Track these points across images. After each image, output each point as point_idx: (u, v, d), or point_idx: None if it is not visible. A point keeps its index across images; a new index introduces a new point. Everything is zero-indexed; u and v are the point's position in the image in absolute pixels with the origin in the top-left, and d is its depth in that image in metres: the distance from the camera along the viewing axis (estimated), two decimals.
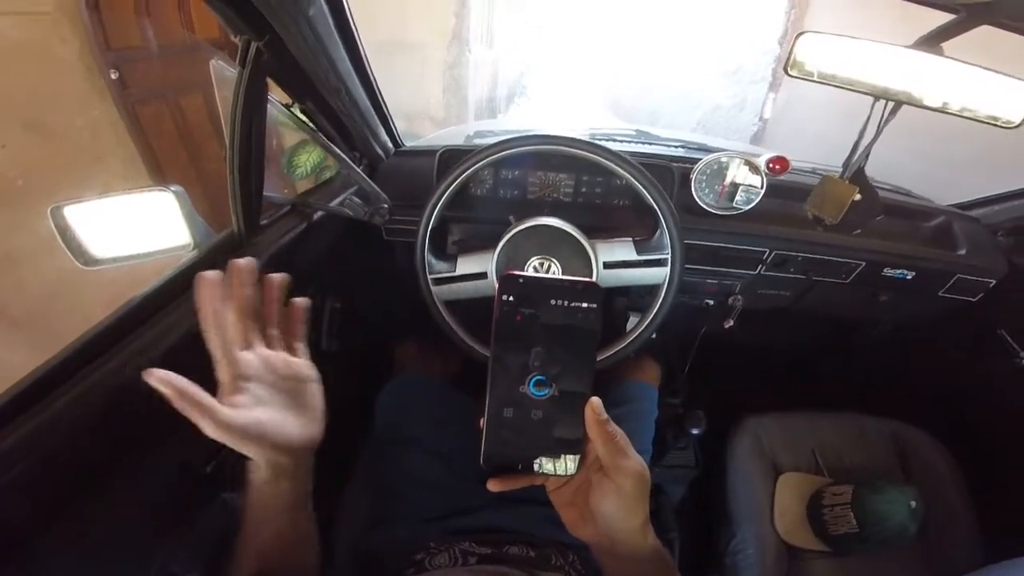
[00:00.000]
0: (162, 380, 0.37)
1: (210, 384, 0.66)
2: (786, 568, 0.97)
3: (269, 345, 0.45)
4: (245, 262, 0.44)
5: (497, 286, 0.38)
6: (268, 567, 0.49)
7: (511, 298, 0.38)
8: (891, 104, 0.69)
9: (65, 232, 0.66)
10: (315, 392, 0.47)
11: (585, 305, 0.38)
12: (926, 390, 1.32)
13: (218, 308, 0.42)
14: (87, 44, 2.13)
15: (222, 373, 0.41)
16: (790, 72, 0.71)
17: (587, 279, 0.38)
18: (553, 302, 0.38)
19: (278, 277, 0.47)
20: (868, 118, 0.70)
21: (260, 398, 0.42)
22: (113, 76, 2.22)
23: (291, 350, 0.47)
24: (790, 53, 0.70)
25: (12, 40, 1.90)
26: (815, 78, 0.70)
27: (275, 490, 0.44)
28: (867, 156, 0.73)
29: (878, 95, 0.68)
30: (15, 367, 0.51)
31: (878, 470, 1.08)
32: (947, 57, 0.64)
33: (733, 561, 1.01)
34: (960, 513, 1.02)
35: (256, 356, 0.43)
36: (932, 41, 0.65)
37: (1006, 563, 0.77)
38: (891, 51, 0.66)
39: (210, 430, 0.38)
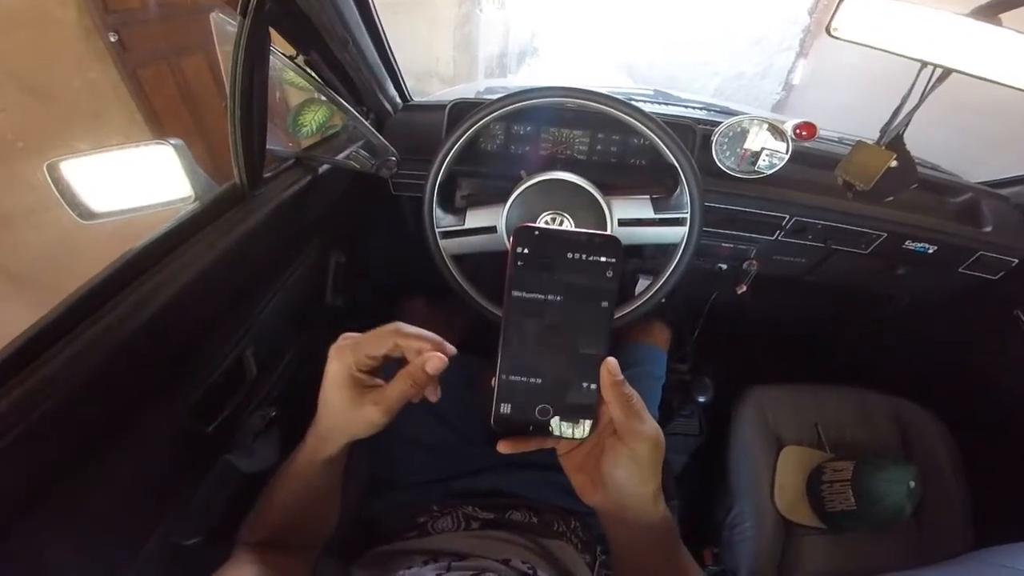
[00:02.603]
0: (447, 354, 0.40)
1: (205, 337, 0.64)
2: (783, 543, 0.98)
3: None
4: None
5: (511, 238, 0.35)
6: (284, 533, 0.49)
7: (525, 251, 0.35)
8: (938, 71, 0.65)
9: (63, 187, 0.64)
10: None
11: (604, 259, 0.35)
12: (935, 368, 1.31)
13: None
14: (85, 6, 2.09)
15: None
16: (833, 34, 0.67)
17: (606, 232, 0.36)
18: (570, 255, 0.35)
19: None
20: (913, 84, 0.67)
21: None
22: (112, 39, 2.20)
23: None
24: (834, 14, 0.66)
25: (10, 2, 1.87)
26: (860, 41, 0.66)
27: (331, 467, 0.47)
28: (907, 123, 0.69)
29: (928, 62, 0.64)
30: (17, 323, 0.50)
31: (879, 447, 1.08)
32: (1006, 27, 0.60)
33: (730, 533, 1.02)
34: (955, 495, 1.02)
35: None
36: (990, 11, 0.61)
37: (994, 549, 0.77)
38: (944, 17, 0.62)
39: (395, 409, 0.41)
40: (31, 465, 0.45)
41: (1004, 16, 0.62)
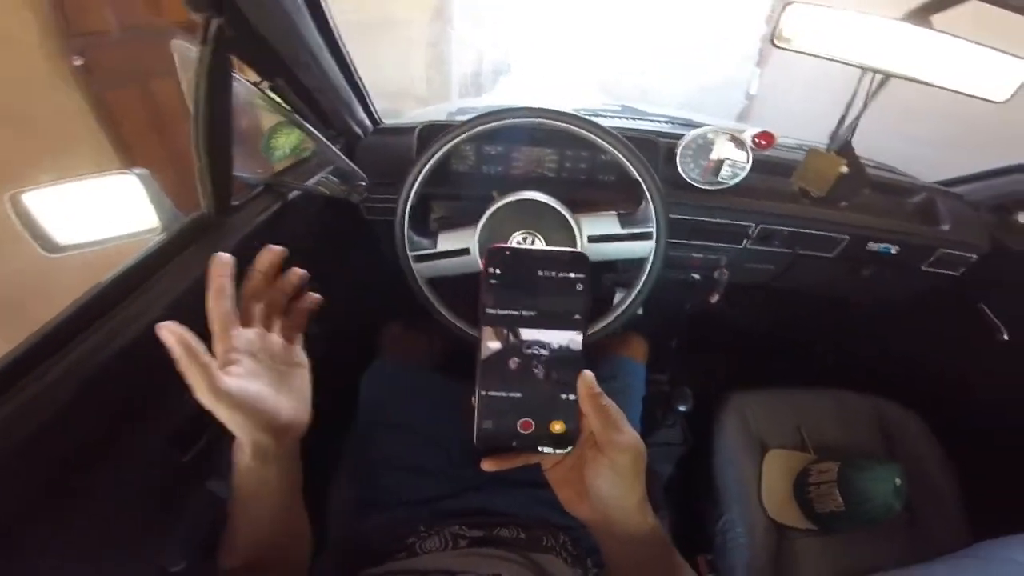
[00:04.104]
0: (172, 332, 0.37)
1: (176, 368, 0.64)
2: (776, 546, 0.98)
3: (269, 329, 0.46)
4: (271, 251, 0.47)
5: (483, 259, 0.37)
6: (258, 555, 0.48)
7: (498, 270, 0.37)
8: (879, 77, 0.67)
9: (26, 219, 0.63)
10: (305, 378, 0.47)
11: (573, 275, 0.37)
12: (909, 366, 1.34)
13: (225, 284, 0.42)
14: (47, 28, 2.05)
15: (216, 346, 0.41)
16: (777, 44, 0.70)
17: (574, 249, 0.37)
18: (541, 272, 0.37)
19: (300, 273, 0.49)
20: (856, 91, 0.70)
21: (253, 372, 0.42)
22: (77, 63, 2.15)
23: (289, 338, 0.48)
24: (776, 25, 0.69)
25: None
26: (802, 50, 0.69)
27: (260, 475, 0.44)
28: (854, 129, 0.72)
29: (866, 68, 0.67)
30: None
31: (862, 447, 1.09)
32: (937, 30, 0.63)
33: (722, 540, 1.02)
34: (942, 490, 1.03)
35: (254, 333, 0.44)
36: (922, 14, 0.65)
37: (996, 540, 0.77)
38: (879, 23, 0.65)
39: (205, 394, 0.37)
40: (5, 497, 0.44)
41: (936, 18, 0.65)
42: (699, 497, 1.14)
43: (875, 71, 0.66)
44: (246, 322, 0.44)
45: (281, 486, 0.46)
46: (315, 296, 0.50)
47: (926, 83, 0.63)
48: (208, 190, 0.67)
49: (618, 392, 0.99)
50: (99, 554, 0.54)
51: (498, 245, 0.37)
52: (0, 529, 0.43)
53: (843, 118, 0.71)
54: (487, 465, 0.38)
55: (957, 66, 0.62)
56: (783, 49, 0.68)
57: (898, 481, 0.91)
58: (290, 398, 0.44)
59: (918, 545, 0.99)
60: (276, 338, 0.46)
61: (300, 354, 0.48)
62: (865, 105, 0.69)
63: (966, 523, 1.00)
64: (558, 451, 0.38)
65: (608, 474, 0.37)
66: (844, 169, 0.72)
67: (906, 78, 0.64)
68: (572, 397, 0.37)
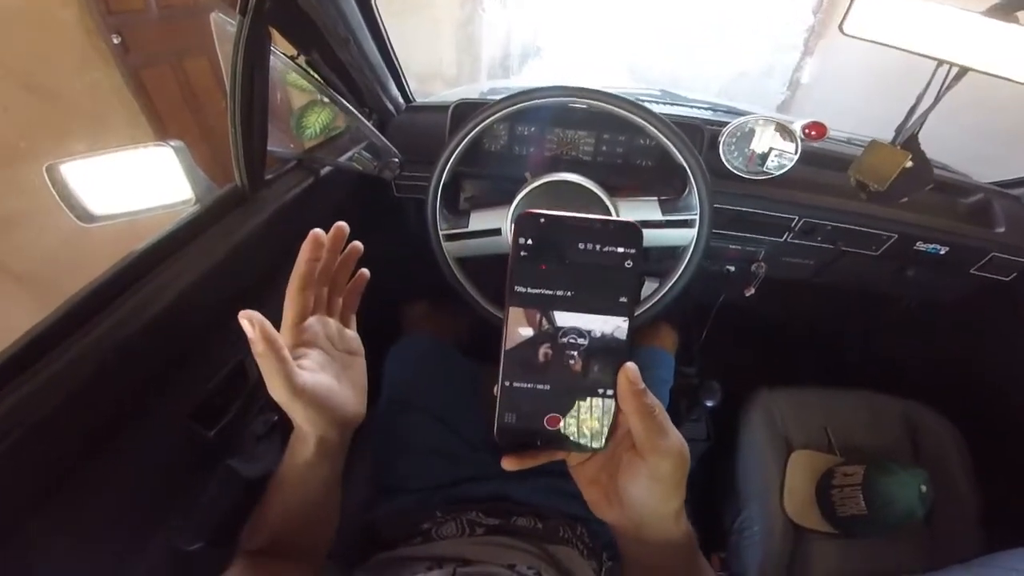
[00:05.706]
0: (253, 320, 0.36)
1: (206, 341, 0.63)
2: (791, 548, 0.97)
3: (330, 314, 0.44)
4: (339, 228, 0.43)
5: (513, 226, 0.32)
6: (285, 539, 0.48)
7: (529, 241, 0.31)
8: (954, 70, 0.63)
9: (62, 189, 0.64)
10: (362, 368, 0.46)
11: (621, 250, 0.31)
12: (944, 370, 1.29)
13: (313, 270, 0.41)
14: (87, 6, 2.10)
15: (286, 336, 0.40)
16: (846, 31, 0.65)
17: (625, 219, 0.32)
18: (582, 246, 0.31)
19: (357, 246, 0.46)
20: (929, 83, 0.65)
21: (321, 364, 0.40)
22: (115, 41, 2.21)
23: (345, 321, 0.46)
24: (848, 11, 0.65)
25: (11, 1, 1.88)
26: (874, 39, 0.65)
27: (317, 468, 0.43)
28: (923, 123, 0.68)
29: (944, 60, 0.62)
30: (21, 323, 0.49)
31: (889, 450, 1.06)
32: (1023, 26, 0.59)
33: (739, 538, 1.00)
34: (966, 498, 1.00)
35: (318, 322, 0.42)
36: (1007, 8, 0.60)
37: (1007, 552, 0.76)
38: (960, 16, 0.61)
39: (281, 391, 0.36)
40: (30, 469, 0.44)
41: (1021, 14, 0.60)
42: (719, 493, 1.12)
43: (952, 64, 0.62)
44: (313, 308, 0.42)
45: (329, 478, 0.45)
46: (365, 272, 0.48)
47: (1008, 79, 0.59)
48: (242, 163, 0.67)
49: (647, 384, 0.98)
50: (116, 531, 0.54)
51: (531, 211, 0.31)
52: (22, 503, 0.44)
53: (912, 110, 0.67)
54: (508, 463, 0.34)
55: None
56: (852, 37, 0.64)
57: (923, 488, 0.89)
58: (351, 390, 0.43)
59: (936, 552, 0.97)
60: (336, 325, 0.44)
61: (356, 340, 0.46)
62: (937, 99, 0.65)
63: (986, 534, 0.98)
64: (589, 447, 0.34)
65: (646, 481, 0.33)
66: (908, 164, 0.68)
67: (988, 73, 0.60)
68: (610, 393, 0.33)
